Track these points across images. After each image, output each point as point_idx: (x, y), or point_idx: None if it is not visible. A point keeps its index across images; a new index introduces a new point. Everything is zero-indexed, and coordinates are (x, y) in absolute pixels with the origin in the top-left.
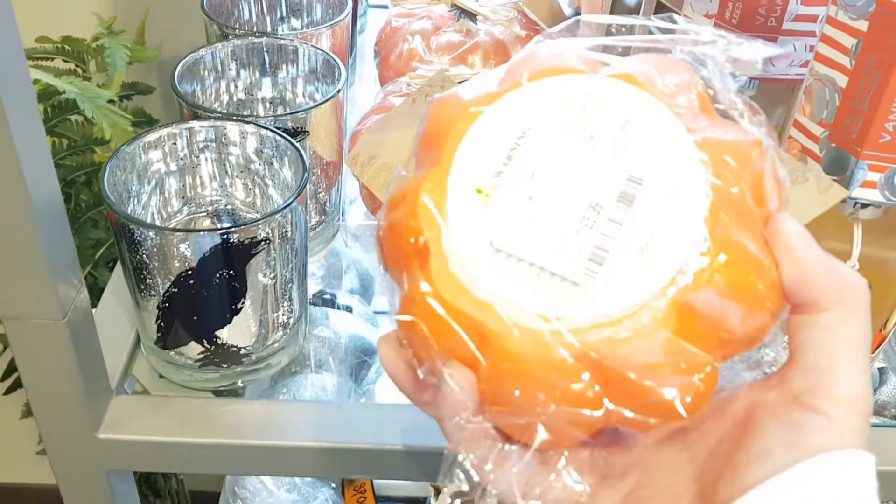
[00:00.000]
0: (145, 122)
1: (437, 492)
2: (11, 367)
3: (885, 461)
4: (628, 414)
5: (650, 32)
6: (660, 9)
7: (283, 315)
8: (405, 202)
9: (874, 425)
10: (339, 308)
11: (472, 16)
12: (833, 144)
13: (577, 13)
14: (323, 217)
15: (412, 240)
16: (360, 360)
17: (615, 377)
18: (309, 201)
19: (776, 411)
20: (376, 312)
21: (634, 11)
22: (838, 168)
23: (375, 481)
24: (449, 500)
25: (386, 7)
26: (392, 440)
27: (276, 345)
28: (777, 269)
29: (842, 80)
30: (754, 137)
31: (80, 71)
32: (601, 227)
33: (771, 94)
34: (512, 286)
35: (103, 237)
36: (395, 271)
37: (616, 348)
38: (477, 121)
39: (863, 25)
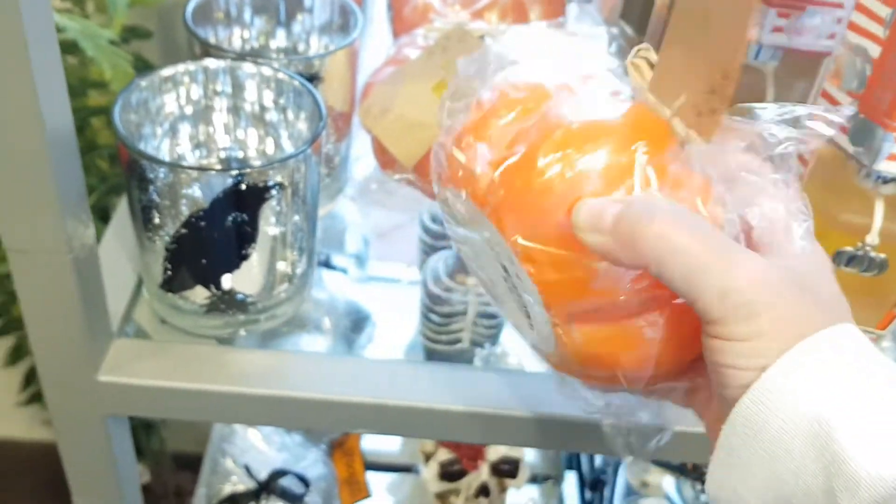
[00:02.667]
0: (144, 69)
1: (427, 458)
2: None
3: None
4: None
5: None
6: None
7: (290, 265)
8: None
9: None
10: (334, 269)
11: None
12: (861, 116)
13: None
14: (330, 170)
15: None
16: (353, 323)
17: None
18: None
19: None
20: (371, 278)
21: None
22: (865, 139)
23: (364, 448)
24: None
25: None
26: (392, 395)
27: (283, 295)
28: None
29: (874, 51)
30: None
31: (77, 11)
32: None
33: (794, 65)
34: None
35: (94, 184)
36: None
37: None
38: None
39: None
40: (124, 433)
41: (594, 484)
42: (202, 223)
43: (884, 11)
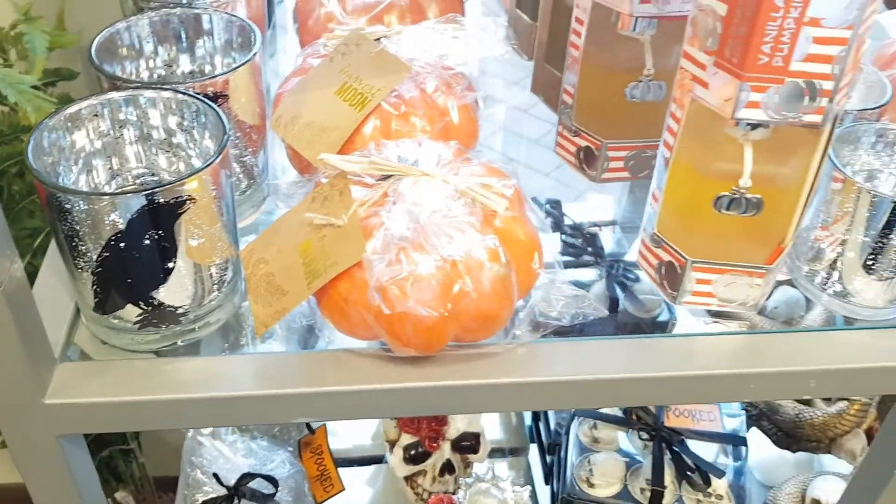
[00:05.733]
0: None
1: (392, 445)
2: None
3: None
4: None
5: None
6: None
7: (217, 273)
8: None
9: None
10: None
11: None
12: (718, 71)
13: None
14: (251, 181)
15: None
16: (307, 326)
17: None
18: (235, 165)
19: None
20: None
21: None
22: (725, 92)
23: (332, 444)
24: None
25: None
26: (331, 383)
27: (214, 303)
28: None
29: (721, 9)
30: None
31: (0, 61)
32: None
33: (669, 32)
34: None
35: (40, 226)
36: None
37: None
38: None
39: None
40: (80, 451)
41: (551, 448)
42: (122, 244)
43: None
